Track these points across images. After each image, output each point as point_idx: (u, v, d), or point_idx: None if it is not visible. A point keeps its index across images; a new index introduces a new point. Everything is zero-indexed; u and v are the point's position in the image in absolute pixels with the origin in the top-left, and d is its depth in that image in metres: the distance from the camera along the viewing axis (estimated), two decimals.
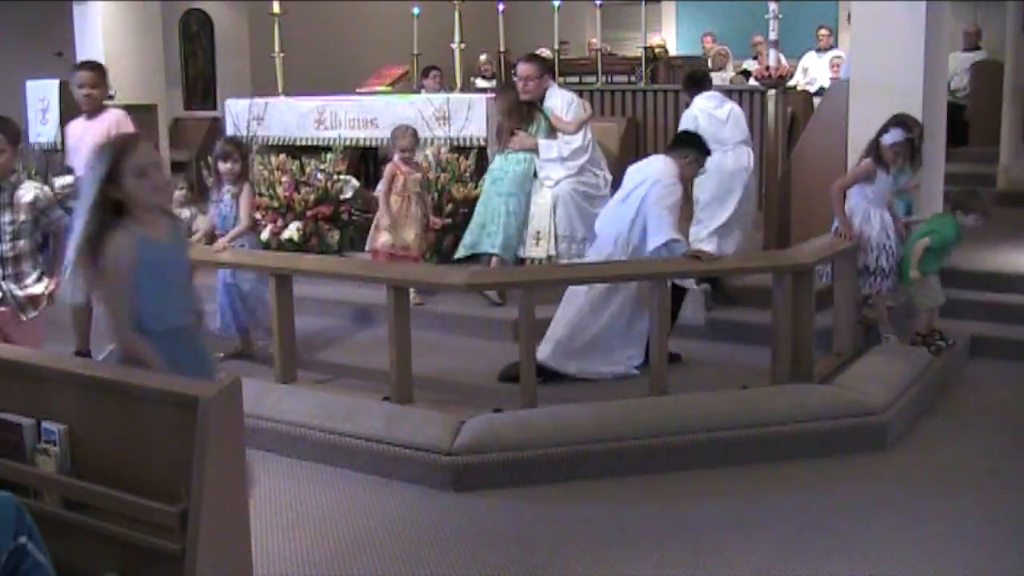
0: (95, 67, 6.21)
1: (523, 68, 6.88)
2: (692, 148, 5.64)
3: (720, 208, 6.99)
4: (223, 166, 6.15)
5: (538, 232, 6.78)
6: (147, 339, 3.22)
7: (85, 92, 6.05)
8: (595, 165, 6.89)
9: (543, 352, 5.49)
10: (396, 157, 6.83)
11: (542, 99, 6.85)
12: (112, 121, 6.01)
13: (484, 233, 6.81)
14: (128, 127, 5.95)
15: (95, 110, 6.10)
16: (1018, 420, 5.30)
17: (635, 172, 5.72)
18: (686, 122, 6.98)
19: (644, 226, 5.44)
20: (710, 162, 5.90)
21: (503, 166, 6.88)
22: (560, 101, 6.86)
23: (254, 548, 3.23)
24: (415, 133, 6.95)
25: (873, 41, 6.77)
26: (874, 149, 5.80)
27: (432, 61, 10.17)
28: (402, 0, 10.98)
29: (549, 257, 6.76)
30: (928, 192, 6.93)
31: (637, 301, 5.55)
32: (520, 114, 6.84)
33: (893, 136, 5.74)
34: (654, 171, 5.55)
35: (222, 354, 5.98)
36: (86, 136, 5.86)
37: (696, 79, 7.46)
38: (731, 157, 6.97)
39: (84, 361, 4.35)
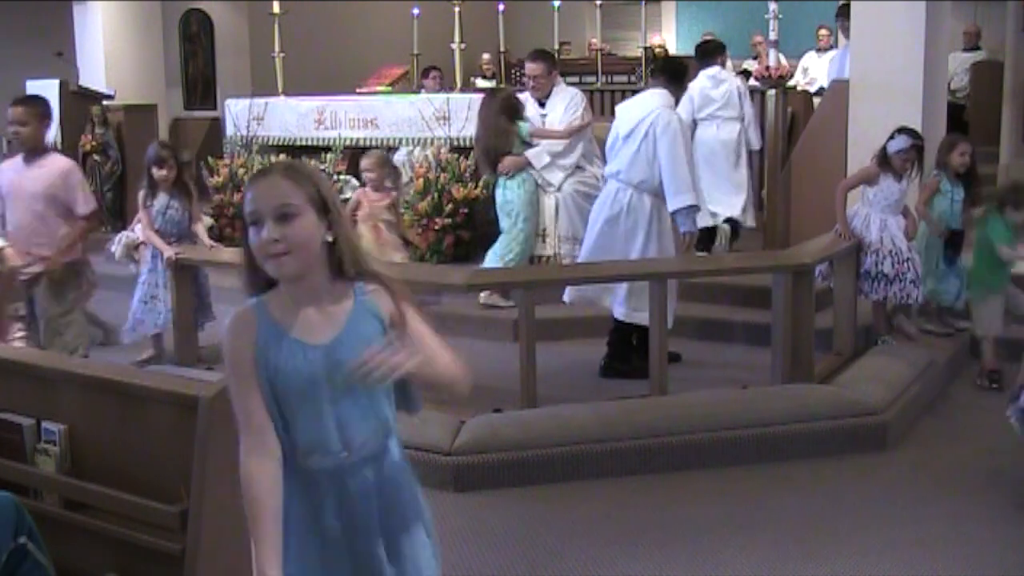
0: (28, 101, 5.40)
1: (530, 67, 6.87)
2: (672, 70, 5.90)
3: (714, 178, 7.43)
4: (158, 172, 5.90)
5: (544, 230, 6.79)
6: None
7: (14, 130, 5.21)
8: (589, 160, 6.89)
9: (619, 312, 5.69)
10: (367, 184, 6.65)
11: (548, 95, 6.84)
12: (57, 172, 5.20)
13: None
14: (76, 179, 5.27)
15: (32, 152, 5.23)
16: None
17: (631, 108, 5.72)
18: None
19: (646, 161, 5.52)
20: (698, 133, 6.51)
21: (506, 194, 6.66)
22: (563, 100, 6.83)
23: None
24: (384, 161, 6.73)
25: (873, 41, 6.77)
26: (881, 155, 5.80)
27: (432, 61, 10.17)
28: (402, 0, 10.98)
29: (555, 255, 6.77)
30: None
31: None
32: (505, 135, 6.57)
33: (899, 143, 5.73)
34: (651, 105, 5.59)
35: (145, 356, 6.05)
36: (23, 182, 5.19)
37: (705, 51, 7.60)
38: (719, 129, 7.51)
39: (84, 361, 4.35)
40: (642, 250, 5.63)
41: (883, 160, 5.78)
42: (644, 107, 5.61)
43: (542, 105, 6.84)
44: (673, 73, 5.83)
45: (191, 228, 6.10)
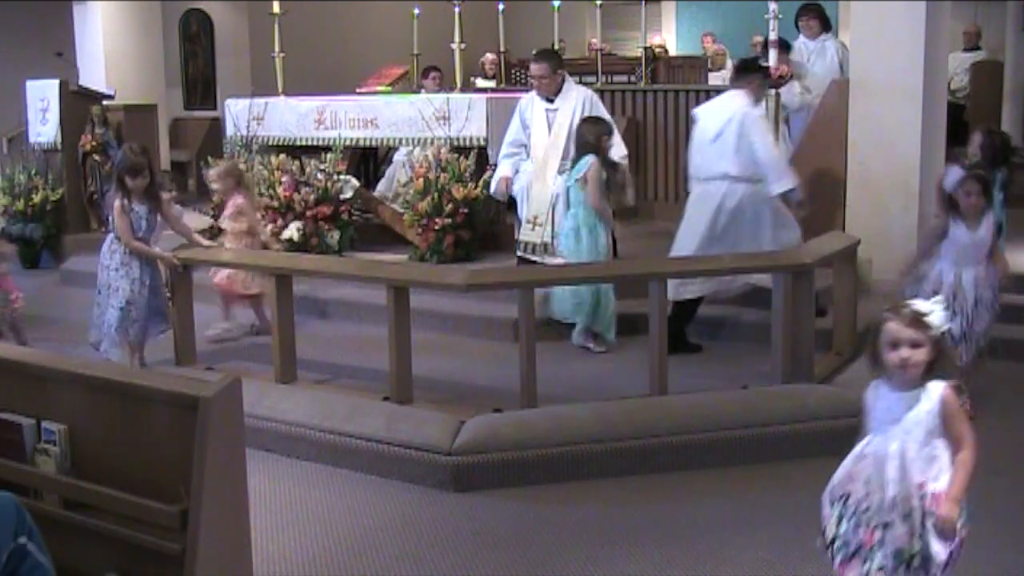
0: None
1: (534, 67, 6.87)
2: (751, 72, 6.18)
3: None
4: (132, 181, 5.61)
5: (535, 217, 6.75)
6: None
7: None
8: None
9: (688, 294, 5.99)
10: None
11: (557, 93, 6.82)
12: None
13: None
14: None
15: None
16: (1020, 421, 5.30)
17: (715, 111, 6.08)
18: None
19: (748, 156, 5.89)
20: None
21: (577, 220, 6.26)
22: (573, 99, 6.79)
23: (254, 548, 3.24)
24: (227, 171, 6.73)
25: (873, 41, 6.77)
26: (943, 198, 5.12)
27: (432, 61, 10.16)
28: (402, 0, 10.98)
29: (544, 245, 6.71)
30: (928, 193, 6.93)
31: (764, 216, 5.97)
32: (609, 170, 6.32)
33: (952, 176, 5.05)
34: (735, 106, 5.96)
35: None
36: None
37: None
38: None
39: (84, 361, 4.35)
40: (773, 238, 6.00)
41: (950, 204, 5.06)
42: (727, 109, 6.00)
43: (551, 101, 6.83)
44: (749, 72, 6.25)
45: (175, 229, 6.04)
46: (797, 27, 8.18)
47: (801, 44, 8.19)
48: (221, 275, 6.46)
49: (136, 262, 5.72)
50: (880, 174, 6.84)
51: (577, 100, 6.77)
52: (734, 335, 6.33)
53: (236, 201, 6.59)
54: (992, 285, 5.17)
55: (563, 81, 6.84)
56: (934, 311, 2.97)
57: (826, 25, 8.24)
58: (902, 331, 2.95)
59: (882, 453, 3.03)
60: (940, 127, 7.05)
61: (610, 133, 6.34)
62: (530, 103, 6.89)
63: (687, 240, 6.11)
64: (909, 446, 2.97)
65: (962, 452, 2.95)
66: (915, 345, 2.94)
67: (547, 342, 5.73)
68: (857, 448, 3.15)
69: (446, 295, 6.29)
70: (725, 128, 5.94)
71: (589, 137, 6.18)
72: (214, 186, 6.81)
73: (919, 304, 3.02)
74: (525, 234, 6.80)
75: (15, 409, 3.23)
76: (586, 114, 6.70)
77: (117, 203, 5.67)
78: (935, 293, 4.85)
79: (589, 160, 6.08)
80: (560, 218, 6.67)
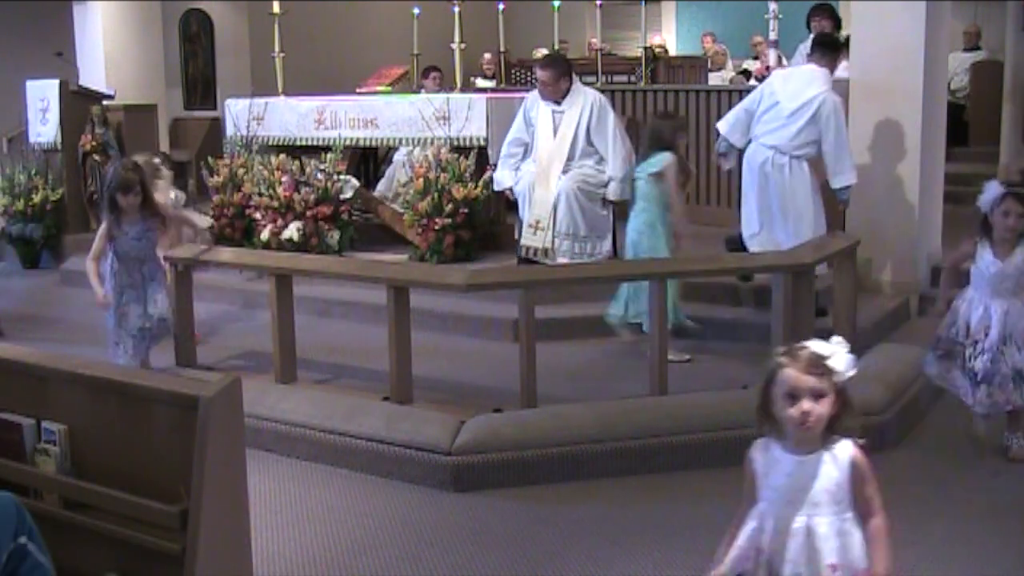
0: None
1: (540, 73, 6.85)
2: (835, 50, 6.38)
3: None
4: (123, 199, 5.30)
5: (537, 221, 6.75)
6: None
7: None
8: (597, 160, 6.86)
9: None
10: None
11: (564, 96, 6.81)
12: None
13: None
14: None
15: None
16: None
17: (798, 85, 6.19)
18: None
19: (813, 137, 6.14)
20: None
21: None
22: (582, 106, 6.73)
23: (254, 548, 3.24)
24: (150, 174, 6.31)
25: (873, 41, 6.77)
26: (980, 218, 4.59)
27: (432, 61, 10.17)
28: (402, 0, 10.99)
29: (546, 250, 6.72)
30: (928, 193, 6.94)
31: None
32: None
33: (990, 193, 4.52)
34: (820, 87, 6.13)
35: None
36: None
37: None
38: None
39: (84, 361, 4.34)
40: (815, 222, 6.22)
41: (983, 224, 4.55)
42: (812, 86, 6.16)
43: (558, 103, 6.83)
44: (832, 48, 6.41)
45: (176, 220, 5.91)
46: (808, 27, 8.16)
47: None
48: None
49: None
50: (880, 174, 6.85)
51: (584, 104, 6.76)
52: (734, 335, 6.33)
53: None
54: None
55: (570, 86, 6.84)
56: (836, 353, 2.54)
57: (837, 26, 8.22)
58: (801, 379, 2.49)
59: (782, 529, 2.57)
60: (940, 127, 7.06)
61: (683, 128, 6.30)
62: (536, 102, 6.88)
63: (750, 217, 6.42)
64: (817, 521, 2.54)
65: (874, 519, 2.58)
66: (817, 396, 2.49)
67: (547, 342, 5.70)
68: (750, 524, 2.67)
69: (446, 295, 6.29)
70: (804, 106, 6.13)
71: (664, 132, 6.08)
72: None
73: (818, 345, 2.57)
74: (527, 238, 6.80)
75: (15, 409, 3.24)
76: (594, 118, 6.70)
77: (103, 226, 5.43)
78: (966, 327, 4.56)
79: (666, 157, 5.96)
80: (561, 222, 6.68)
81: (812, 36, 8.06)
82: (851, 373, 2.54)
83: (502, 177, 7.02)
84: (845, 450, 2.55)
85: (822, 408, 2.48)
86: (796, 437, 2.56)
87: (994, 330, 4.51)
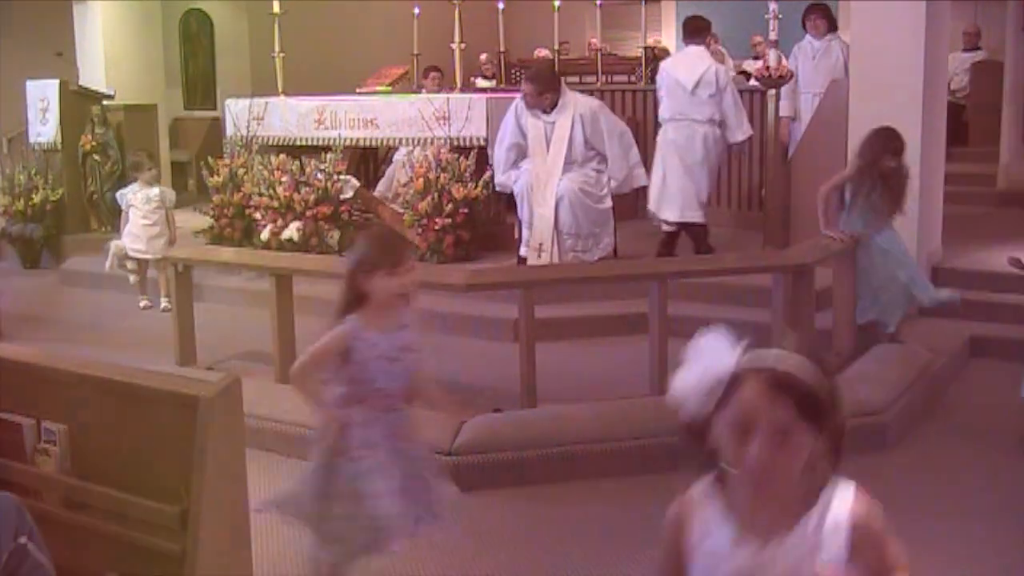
0: None
1: (523, 86, 7.02)
2: (706, 31, 7.45)
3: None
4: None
5: (540, 244, 6.78)
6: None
7: None
8: (599, 161, 6.88)
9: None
10: None
11: (554, 106, 6.84)
12: None
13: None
14: None
15: None
16: (1018, 420, 5.29)
17: (689, 65, 7.12)
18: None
19: (716, 105, 7.05)
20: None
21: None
22: (572, 116, 6.77)
23: (254, 548, 3.23)
24: None
25: (873, 41, 6.77)
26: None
27: (432, 61, 10.17)
28: (402, 0, 10.98)
29: (548, 249, 6.75)
30: (928, 193, 6.92)
31: None
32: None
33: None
34: (707, 61, 7.13)
35: None
36: None
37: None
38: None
39: (84, 361, 4.34)
40: (710, 180, 7.22)
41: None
42: (701, 62, 7.12)
43: (547, 113, 6.86)
44: (702, 31, 7.39)
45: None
46: (804, 27, 8.18)
47: (807, 43, 8.19)
48: None
49: None
50: None
51: (575, 114, 6.79)
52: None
53: None
54: None
55: (557, 97, 6.86)
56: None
57: (832, 25, 8.26)
58: (760, 402, 1.62)
59: None
60: (940, 127, 7.05)
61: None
62: (524, 111, 6.93)
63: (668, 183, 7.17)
64: None
65: None
66: (782, 432, 1.60)
67: (547, 342, 5.69)
68: None
69: (446, 295, 6.28)
70: (701, 80, 7.02)
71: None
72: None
73: (788, 358, 1.71)
74: (531, 259, 6.82)
75: (15, 409, 3.23)
76: (587, 128, 6.73)
77: None
78: None
79: None
80: (563, 221, 6.70)
81: (805, 37, 8.16)
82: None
83: (504, 180, 7.05)
84: (842, 506, 1.69)
85: (789, 455, 1.60)
86: (749, 497, 1.65)
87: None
